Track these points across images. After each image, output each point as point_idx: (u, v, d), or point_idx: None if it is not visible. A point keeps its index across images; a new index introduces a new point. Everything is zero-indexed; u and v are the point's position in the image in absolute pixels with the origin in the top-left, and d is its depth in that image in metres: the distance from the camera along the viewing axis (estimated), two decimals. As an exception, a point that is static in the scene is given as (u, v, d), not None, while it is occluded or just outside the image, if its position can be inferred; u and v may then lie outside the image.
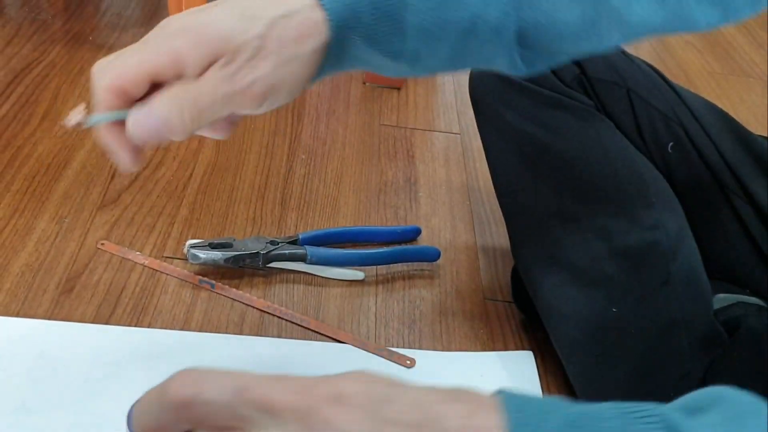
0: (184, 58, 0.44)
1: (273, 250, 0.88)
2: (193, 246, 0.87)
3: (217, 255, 0.86)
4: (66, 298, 0.81)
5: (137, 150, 0.49)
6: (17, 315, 0.78)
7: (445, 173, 1.13)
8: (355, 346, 0.81)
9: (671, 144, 0.79)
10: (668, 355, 0.69)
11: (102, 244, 0.89)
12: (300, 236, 0.92)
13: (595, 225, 0.74)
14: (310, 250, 0.89)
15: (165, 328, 0.80)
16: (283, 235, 0.95)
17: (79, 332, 0.77)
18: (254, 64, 0.45)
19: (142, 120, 0.45)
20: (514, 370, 0.81)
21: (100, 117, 0.45)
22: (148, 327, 0.80)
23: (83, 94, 1.15)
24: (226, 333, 0.81)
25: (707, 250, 0.76)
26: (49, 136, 1.05)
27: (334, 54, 0.48)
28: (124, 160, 0.49)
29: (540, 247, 0.78)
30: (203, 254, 0.86)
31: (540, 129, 0.78)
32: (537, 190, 0.78)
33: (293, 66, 0.46)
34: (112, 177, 1.00)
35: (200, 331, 0.80)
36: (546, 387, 0.80)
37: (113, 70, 0.45)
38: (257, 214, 0.98)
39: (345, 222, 1.00)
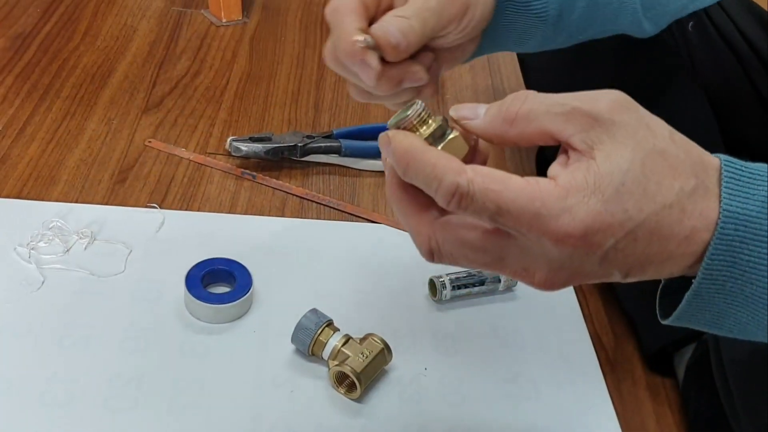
0: None
1: (309, 143, 0.93)
2: (234, 140, 0.92)
3: (257, 147, 0.91)
4: (120, 187, 0.87)
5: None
6: (76, 202, 0.84)
7: (470, 78, 1.17)
8: (390, 226, 0.86)
9: (691, 23, 0.82)
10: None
11: (149, 141, 0.94)
12: (334, 131, 0.97)
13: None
14: (345, 143, 0.94)
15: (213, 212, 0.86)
16: (318, 131, 1.00)
17: (134, 215, 0.83)
18: None
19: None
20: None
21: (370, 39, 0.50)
22: (198, 211, 0.85)
23: (120, 12, 1.19)
24: (270, 216, 0.86)
25: (728, 128, 0.80)
26: (92, 49, 1.10)
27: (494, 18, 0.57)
28: (369, 75, 0.51)
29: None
30: (245, 146, 0.91)
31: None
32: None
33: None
34: (153, 85, 1.05)
35: (245, 214, 0.86)
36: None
37: None
38: (292, 116, 1.03)
39: (375, 122, 1.04)
